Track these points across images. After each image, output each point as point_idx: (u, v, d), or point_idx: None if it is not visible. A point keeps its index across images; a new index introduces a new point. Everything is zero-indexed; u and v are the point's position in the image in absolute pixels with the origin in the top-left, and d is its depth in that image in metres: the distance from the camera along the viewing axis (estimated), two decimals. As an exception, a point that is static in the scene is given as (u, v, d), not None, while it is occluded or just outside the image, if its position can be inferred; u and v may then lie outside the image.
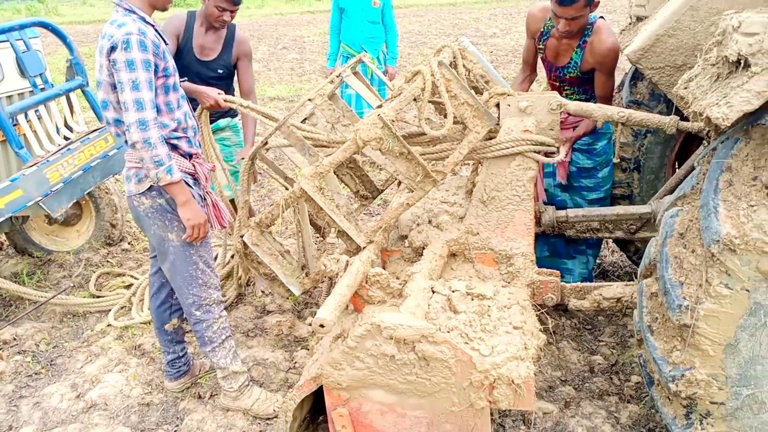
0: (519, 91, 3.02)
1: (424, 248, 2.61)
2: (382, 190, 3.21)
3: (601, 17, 2.97)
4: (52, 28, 3.47)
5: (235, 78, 3.45)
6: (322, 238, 3.14)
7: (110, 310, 3.58)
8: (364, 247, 2.53)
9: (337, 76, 2.96)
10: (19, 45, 3.30)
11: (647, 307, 1.99)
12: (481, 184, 2.59)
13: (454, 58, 2.73)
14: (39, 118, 3.38)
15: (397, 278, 2.42)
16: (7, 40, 3.25)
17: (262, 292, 3.64)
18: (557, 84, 3.13)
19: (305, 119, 2.96)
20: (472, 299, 2.19)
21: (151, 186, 2.35)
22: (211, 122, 3.45)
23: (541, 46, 3.11)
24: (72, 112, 3.61)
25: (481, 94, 2.74)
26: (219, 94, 3.06)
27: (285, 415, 2.14)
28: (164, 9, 2.47)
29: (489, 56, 11.64)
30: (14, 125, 3.19)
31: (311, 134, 2.77)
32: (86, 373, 3.04)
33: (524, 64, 3.27)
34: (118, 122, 2.32)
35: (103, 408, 2.79)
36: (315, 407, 2.48)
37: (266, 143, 2.88)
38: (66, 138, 3.55)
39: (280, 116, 2.81)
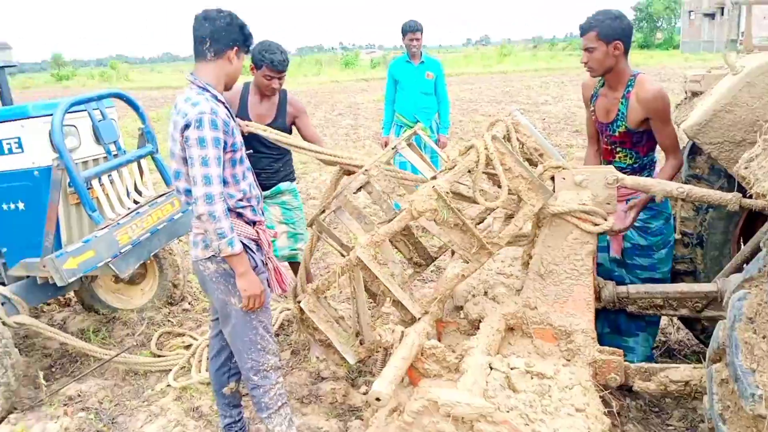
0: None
1: (480, 321, 2.60)
2: (436, 258, 3.23)
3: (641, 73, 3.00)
4: (127, 99, 3.73)
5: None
6: (376, 305, 3.16)
7: (170, 370, 3.66)
8: (419, 318, 2.54)
9: (393, 148, 3.06)
10: (96, 114, 3.56)
11: (718, 394, 1.91)
12: (538, 257, 2.58)
13: (508, 131, 2.78)
14: (111, 182, 3.59)
15: (453, 351, 2.40)
16: (86, 110, 3.51)
17: (317, 358, 3.65)
18: (609, 147, 3.12)
19: (359, 189, 3.04)
20: (532, 378, 2.15)
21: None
22: (272, 186, 3.64)
23: (592, 108, 3.15)
24: (142, 176, 3.82)
25: (536, 166, 2.77)
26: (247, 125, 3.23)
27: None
28: (230, 88, 2.65)
29: (541, 124, 11.72)
30: (88, 189, 3.39)
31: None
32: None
33: (590, 139, 3.31)
34: (189, 192, 2.45)
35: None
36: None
37: (323, 211, 2.97)
38: (135, 201, 3.74)
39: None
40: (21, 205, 3.40)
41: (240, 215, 2.52)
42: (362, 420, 3.06)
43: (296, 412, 3.21)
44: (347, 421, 3.13)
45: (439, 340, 2.73)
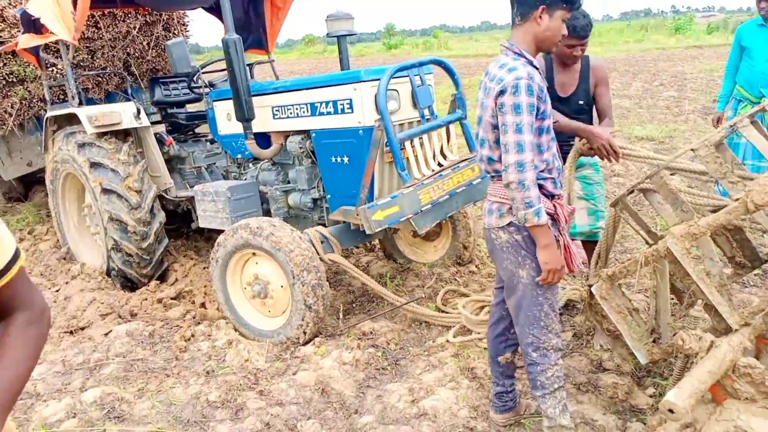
0: None
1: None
2: (765, 261, 2.69)
3: None
4: (445, 65, 3.88)
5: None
6: (680, 305, 2.78)
7: (451, 327, 3.82)
8: (736, 329, 2.14)
9: (731, 126, 2.58)
10: (416, 80, 3.77)
11: None
12: None
13: None
14: (421, 144, 3.80)
15: (777, 377, 1.97)
16: (408, 75, 3.74)
17: (601, 346, 3.41)
18: None
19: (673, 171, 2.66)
20: None
21: (510, 221, 2.40)
22: None
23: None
24: (449, 141, 3.97)
25: None
26: (612, 135, 3.00)
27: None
28: (548, 51, 2.52)
29: None
30: (401, 149, 3.65)
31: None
32: (423, 381, 3.29)
33: None
34: (491, 161, 2.43)
35: (432, 419, 2.97)
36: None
37: (632, 191, 2.69)
38: (439, 164, 3.92)
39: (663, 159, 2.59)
40: (346, 159, 3.84)
41: (540, 186, 2.41)
42: (644, 424, 2.77)
43: (571, 398, 3.06)
44: (626, 421, 2.86)
45: (758, 359, 2.28)
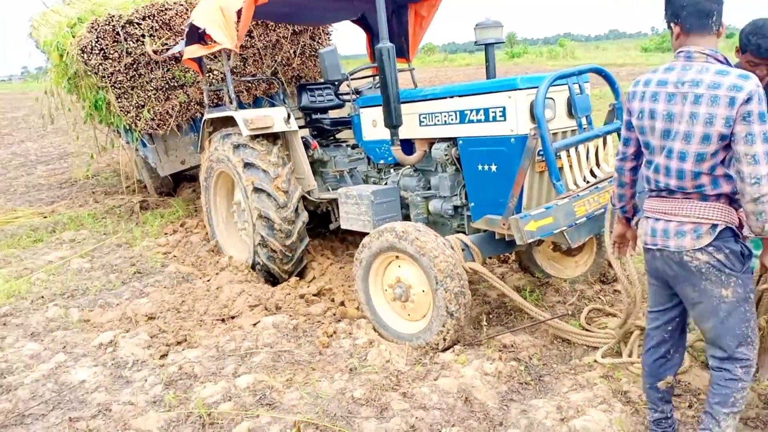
0: None
1: None
2: None
3: None
4: (605, 74, 3.75)
5: None
6: None
7: (597, 346, 3.67)
8: None
9: None
10: (575, 88, 3.67)
11: None
12: None
13: None
14: (577, 155, 3.69)
15: None
16: (566, 83, 3.64)
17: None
18: None
19: None
20: None
21: (710, 242, 2.29)
22: None
23: None
24: (605, 152, 3.83)
25: None
26: None
27: None
28: None
29: None
30: (556, 158, 3.56)
31: None
32: (570, 400, 3.18)
33: None
34: (697, 175, 2.29)
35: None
36: None
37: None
38: (594, 176, 3.78)
39: None
40: (494, 168, 3.80)
41: (732, 202, 2.32)
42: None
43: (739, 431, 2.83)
44: (805, 467, 2.60)
45: None
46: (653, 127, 2.37)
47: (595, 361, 3.54)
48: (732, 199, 2.31)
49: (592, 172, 3.81)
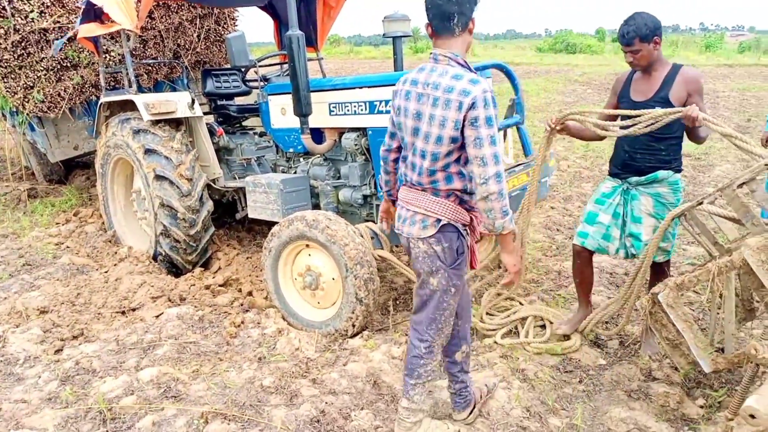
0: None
1: None
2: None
3: None
4: (506, 70, 3.93)
5: None
6: (744, 317, 2.81)
7: (497, 330, 3.87)
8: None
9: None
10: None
11: None
12: None
13: None
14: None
15: None
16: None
17: (649, 356, 3.44)
18: None
19: (743, 183, 2.70)
20: None
21: (432, 234, 2.48)
22: (648, 171, 3.30)
23: None
24: (506, 145, 4.03)
25: None
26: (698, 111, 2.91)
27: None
28: None
29: None
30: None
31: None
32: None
33: None
34: (432, 172, 2.44)
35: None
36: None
37: (701, 203, 2.73)
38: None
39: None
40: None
41: (465, 201, 2.51)
42: (696, 433, 2.81)
43: (623, 404, 3.10)
44: (678, 430, 2.90)
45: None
46: (406, 125, 2.51)
47: (495, 342, 3.73)
48: (462, 199, 2.49)
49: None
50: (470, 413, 2.99)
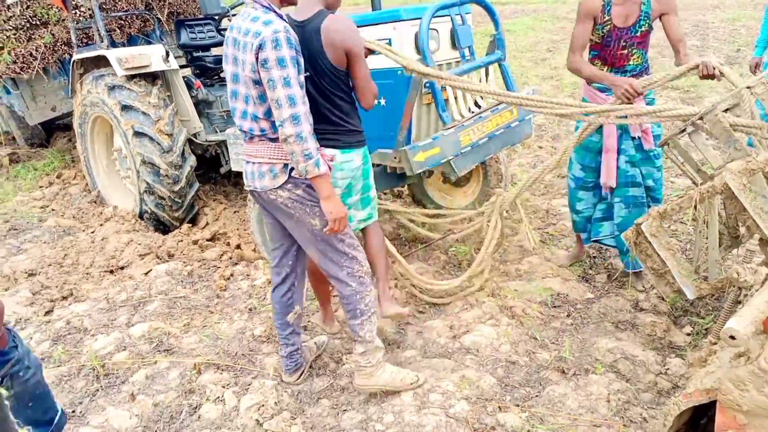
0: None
1: None
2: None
3: None
4: (485, 5, 3.80)
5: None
6: (730, 244, 2.81)
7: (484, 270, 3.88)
8: (790, 264, 2.18)
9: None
10: (457, 19, 3.71)
11: None
12: None
13: None
14: (461, 86, 3.76)
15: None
16: (449, 15, 3.68)
17: (635, 288, 3.47)
18: (626, 51, 3.27)
19: (728, 109, 2.66)
20: None
21: (287, 180, 2.43)
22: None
23: (607, 18, 3.21)
24: (487, 82, 3.94)
25: None
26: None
27: (665, 418, 2.02)
28: (294, 4, 2.51)
29: None
30: (441, 90, 3.62)
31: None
32: (462, 319, 3.37)
33: (577, 51, 3.31)
34: (256, 118, 2.41)
35: (475, 353, 3.06)
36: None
37: (683, 130, 2.69)
38: (478, 106, 3.90)
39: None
40: (383, 101, 3.81)
41: None
42: (683, 360, 2.85)
43: (610, 335, 3.14)
44: (666, 357, 2.95)
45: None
46: (228, 71, 2.46)
47: (487, 280, 3.74)
48: None
49: (476, 103, 3.91)
50: (300, 375, 2.97)
